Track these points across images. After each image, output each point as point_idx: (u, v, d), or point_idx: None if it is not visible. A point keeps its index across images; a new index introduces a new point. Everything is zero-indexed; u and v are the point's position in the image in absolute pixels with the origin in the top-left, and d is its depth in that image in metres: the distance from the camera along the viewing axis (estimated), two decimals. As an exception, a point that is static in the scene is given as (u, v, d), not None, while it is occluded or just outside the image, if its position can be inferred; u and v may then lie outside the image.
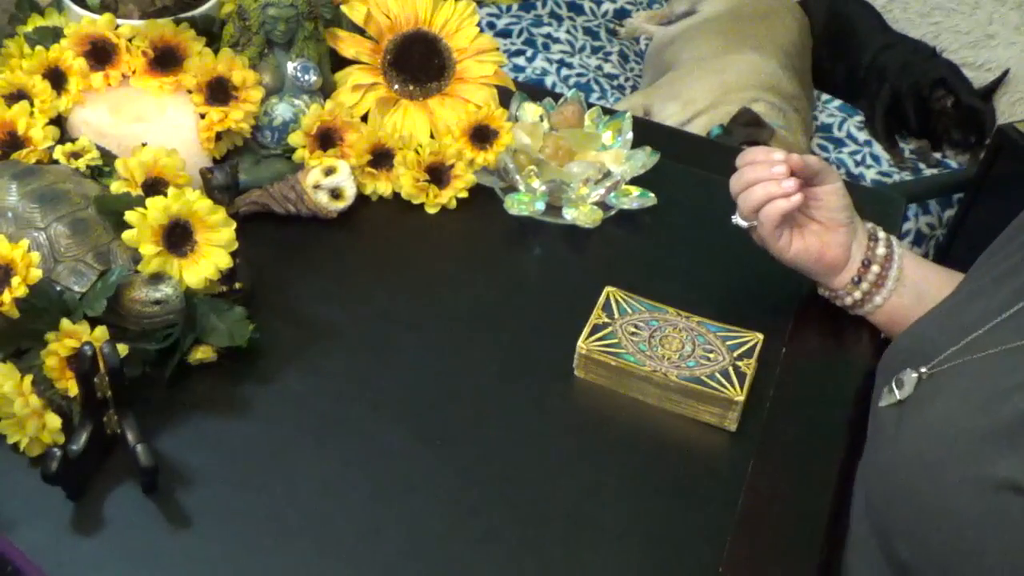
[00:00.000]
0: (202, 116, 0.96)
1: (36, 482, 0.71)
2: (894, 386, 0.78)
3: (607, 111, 1.10)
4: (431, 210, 1.03)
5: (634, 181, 1.05)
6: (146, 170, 0.88)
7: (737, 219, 0.89)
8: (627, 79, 2.18)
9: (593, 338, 0.86)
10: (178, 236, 0.81)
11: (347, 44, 1.05)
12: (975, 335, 0.74)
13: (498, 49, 1.08)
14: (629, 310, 0.89)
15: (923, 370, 0.76)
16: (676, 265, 1.00)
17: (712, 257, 1.01)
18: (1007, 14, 2.10)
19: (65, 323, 0.75)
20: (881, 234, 0.91)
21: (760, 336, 0.87)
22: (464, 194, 1.03)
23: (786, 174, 0.85)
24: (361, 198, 1.01)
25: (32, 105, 0.93)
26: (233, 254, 0.83)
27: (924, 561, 0.69)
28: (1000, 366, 0.70)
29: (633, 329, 0.87)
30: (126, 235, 0.79)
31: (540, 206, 1.02)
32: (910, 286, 0.90)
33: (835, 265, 0.90)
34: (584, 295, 0.90)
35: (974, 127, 2.03)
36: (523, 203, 1.02)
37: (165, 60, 0.97)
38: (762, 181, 0.85)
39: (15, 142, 0.91)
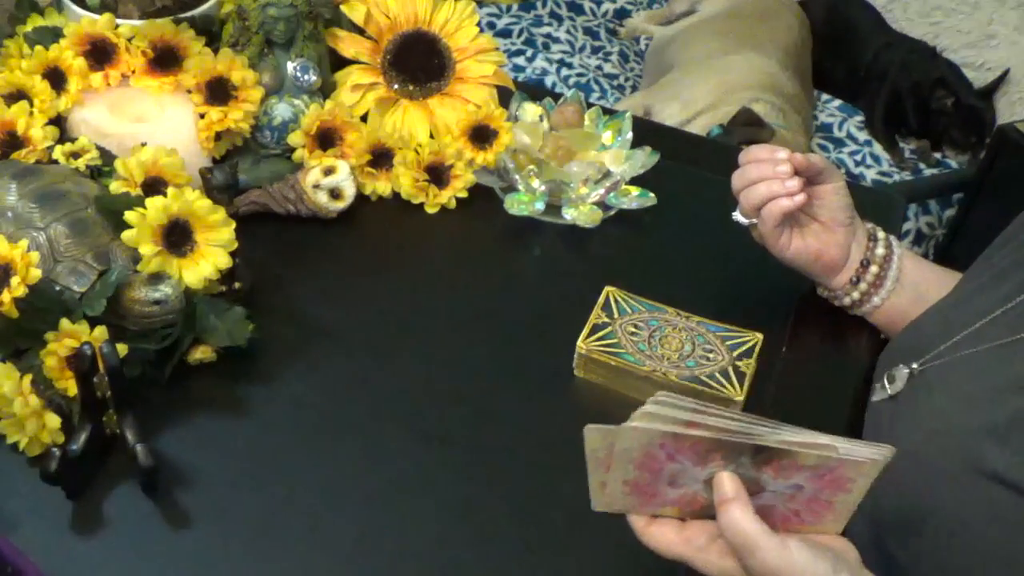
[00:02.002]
0: (202, 116, 0.96)
1: (36, 482, 0.71)
2: (886, 381, 0.78)
3: (607, 111, 1.10)
4: (431, 210, 1.03)
5: (634, 181, 1.05)
6: (146, 170, 0.88)
7: (738, 216, 0.89)
8: (627, 79, 2.18)
9: (593, 338, 0.86)
10: (178, 236, 0.81)
11: (347, 44, 1.05)
12: (968, 331, 0.74)
13: (498, 49, 1.08)
14: (629, 310, 0.89)
15: (914, 365, 0.76)
16: (676, 265, 1.00)
17: (712, 257, 1.01)
18: (1007, 14, 2.10)
19: (65, 323, 0.75)
20: (880, 234, 0.91)
21: (760, 336, 0.87)
22: (464, 194, 1.03)
23: (790, 173, 0.84)
24: (361, 198, 1.01)
25: (32, 105, 0.93)
26: (233, 254, 0.83)
27: (914, 555, 0.69)
28: (992, 362, 0.70)
29: (633, 329, 0.87)
30: (126, 235, 0.79)
31: (540, 206, 1.02)
32: (909, 287, 0.90)
33: (833, 265, 0.90)
34: (584, 295, 0.90)
35: (974, 127, 2.03)
36: (523, 203, 1.02)
37: (165, 60, 0.97)
38: (765, 179, 0.85)
39: (15, 142, 0.91)
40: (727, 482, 0.60)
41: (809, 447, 0.60)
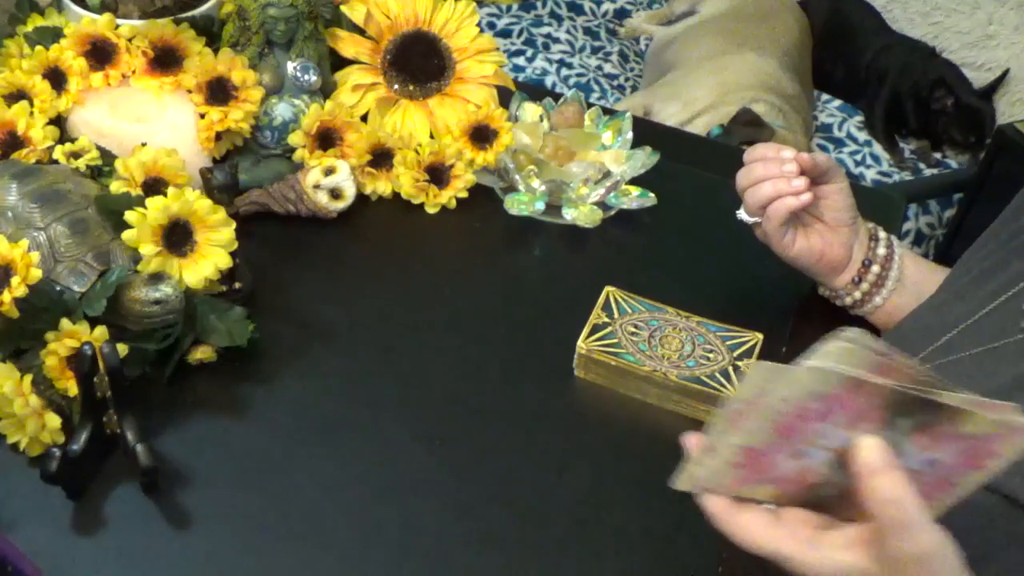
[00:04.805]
0: (202, 116, 0.96)
1: (36, 482, 0.71)
2: None
3: (607, 111, 1.10)
4: (431, 210, 1.03)
5: (634, 181, 1.05)
6: (146, 170, 0.88)
7: (742, 214, 0.89)
8: (627, 79, 2.18)
9: (593, 338, 0.86)
10: (178, 236, 0.81)
11: (347, 44, 1.05)
12: (950, 335, 0.74)
13: (498, 49, 1.08)
14: (629, 310, 0.89)
15: None
16: (676, 265, 1.00)
17: (712, 257, 1.01)
18: (1007, 14, 2.10)
19: (65, 323, 0.75)
20: (882, 234, 0.91)
21: (760, 336, 0.87)
22: (464, 194, 1.03)
23: (796, 172, 0.84)
24: (361, 198, 1.01)
25: (32, 105, 0.93)
26: (233, 254, 0.83)
27: None
28: (978, 368, 0.70)
29: (633, 329, 0.87)
30: (126, 235, 0.79)
31: (540, 206, 1.02)
32: (910, 286, 0.90)
33: (836, 265, 0.90)
34: (584, 295, 0.90)
35: (974, 127, 2.03)
36: (523, 203, 1.02)
37: (165, 60, 0.97)
38: (771, 178, 0.85)
39: (15, 142, 0.91)
40: (879, 450, 0.51)
41: (989, 409, 0.51)
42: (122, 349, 0.74)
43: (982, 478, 0.54)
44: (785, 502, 0.56)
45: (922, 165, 2.05)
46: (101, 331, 0.75)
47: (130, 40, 0.97)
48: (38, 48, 0.95)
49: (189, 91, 0.97)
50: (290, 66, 1.00)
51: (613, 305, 0.89)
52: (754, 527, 0.54)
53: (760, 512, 0.55)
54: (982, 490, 0.61)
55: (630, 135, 1.07)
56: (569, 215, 1.02)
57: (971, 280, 0.78)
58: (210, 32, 1.02)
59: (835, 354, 0.51)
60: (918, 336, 0.77)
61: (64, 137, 0.95)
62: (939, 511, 0.54)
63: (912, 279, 0.90)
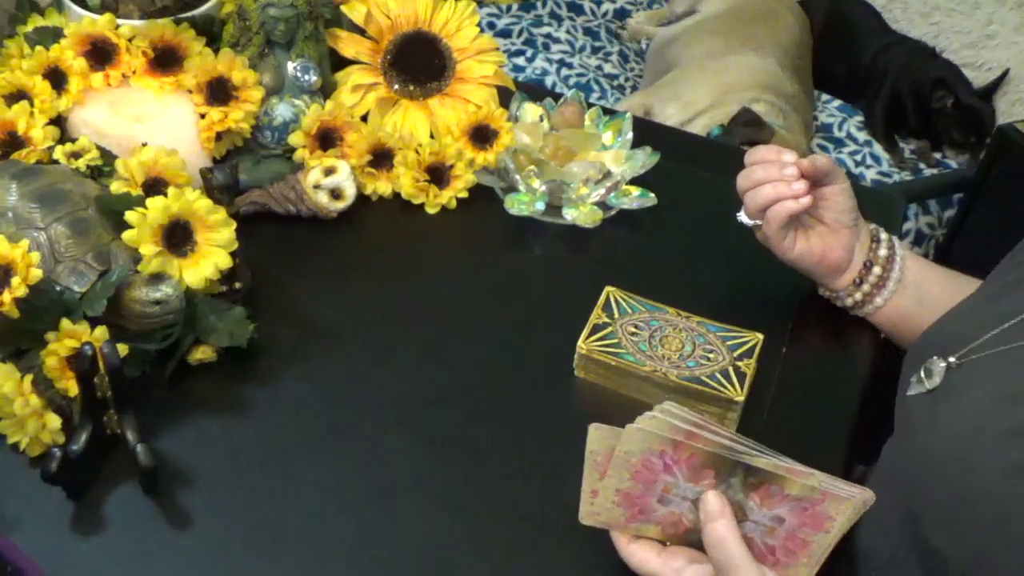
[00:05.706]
0: (202, 116, 0.96)
1: (36, 482, 0.71)
2: (923, 375, 0.77)
3: (607, 111, 1.10)
4: (431, 210, 1.03)
5: (634, 181, 1.05)
6: (146, 170, 0.88)
7: (742, 216, 0.89)
8: (627, 79, 2.18)
9: (593, 338, 0.86)
10: (178, 236, 0.81)
11: (347, 44, 1.05)
12: (1008, 324, 0.73)
13: (498, 49, 1.08)
14: (629, 310, 0.89)
15: (952, 359, 0.76)
16: (676, 265, 1.00)
17: (712, 257, 1.01)
18: (1007, 14, 2.10)
19: (65, 323, 0.75)
20: (883, 235, 0.91)
21: (760, 336, 0.87)
22: (464, 194, 1.03)
23: (796, 175, 0.84)
24: (361, 198, 1.01)
25: (32, 105, 0.93)
26: (233, 254, 0.83)
27: (959, 548, 0.68)
28: (1009, 366, 0.70)
29: (633, 329, 0.87)
30: (126, 235, 0.79)
31: (540, 206, 1.02)
32: (911, 288, 0.90)
33: (837, 266, 0.90)
34: (584, 295, 0.90)
35: (974, 127, 2.03)
36: (523, 203, 1.02)
37: (165, 60, 0.97)
38: (771, 181, 0.85)
39: (15, 142, 0.91)
40: (715, 500, 0.64)
41: (796, 475, 0.62)
42: (122, 349, 0.74)
43: (830, 540, 0.64)
44: (673, 542, 0.69)
45: (922, 165, 2.05)
46: (101, 331, 0.75)
47: (130, 40, 0.96)
48: (38, 48, 0.95)
49: (189, 91, 0.97)
50: (290, 66, 1.00)
51: (613, 305, 0.89)
52: (640, 554, 0.69)
53: (648, 543, 0.69)
54: None
55: (630, 135, 1.07)
56: (569, 215, 1.02)
57: (1010, 284, 0.78)
58: (210, 32, 1.02)
59: (651, 420, 0.63)
60: (967, 326, 0.76)
61: (64, 137, 0.95)
62: (806, 570, 0.66)
63: (913, 280, 0.90)
